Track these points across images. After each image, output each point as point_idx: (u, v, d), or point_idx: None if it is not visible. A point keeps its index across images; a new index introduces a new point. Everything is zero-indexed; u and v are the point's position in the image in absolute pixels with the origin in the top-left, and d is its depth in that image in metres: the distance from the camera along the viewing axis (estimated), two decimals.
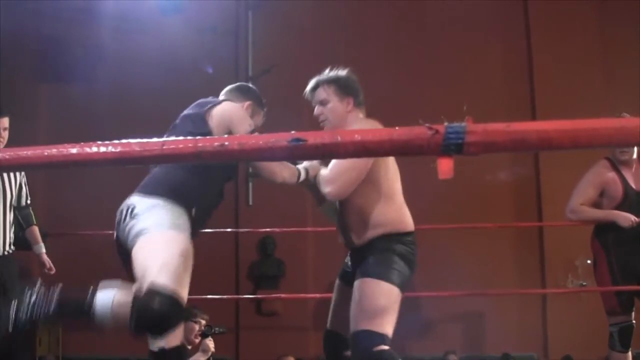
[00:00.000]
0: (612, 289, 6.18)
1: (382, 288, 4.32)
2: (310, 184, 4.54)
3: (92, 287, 3.75)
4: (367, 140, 1.83)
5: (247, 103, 4.49)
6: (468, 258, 9.45)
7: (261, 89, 9.86)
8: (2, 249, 5.89)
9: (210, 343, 6.63)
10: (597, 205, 6.28)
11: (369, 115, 4.64)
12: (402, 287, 4.36)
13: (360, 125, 4.52)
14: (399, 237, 4.49)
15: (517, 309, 10.00)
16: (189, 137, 3.85)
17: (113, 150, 1.98)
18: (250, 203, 10.12)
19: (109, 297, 3.69)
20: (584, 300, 9.47)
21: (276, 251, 10.09)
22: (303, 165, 4.49)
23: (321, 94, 4.63)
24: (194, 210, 4.05)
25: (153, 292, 3.65)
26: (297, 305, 9.89)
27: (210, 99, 4.42)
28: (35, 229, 6.30)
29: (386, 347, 4.23)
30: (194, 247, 3.99)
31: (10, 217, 5.96)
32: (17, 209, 6.09)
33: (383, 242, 4.44)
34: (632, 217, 6.07)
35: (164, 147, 1.95)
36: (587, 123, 1.79)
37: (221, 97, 4.53)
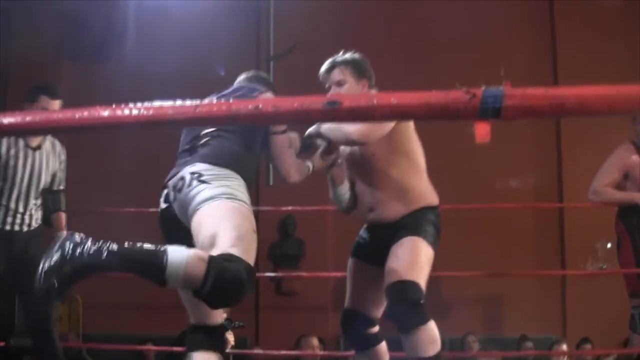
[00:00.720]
0: (636, 270, 6.16)
1: (425, 248, 4.45)
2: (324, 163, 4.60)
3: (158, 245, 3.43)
4: (404, 104, 1.81)
5: (269, 94, 4.37)
6: (488, 239, 9.43)
7: (282, 69, 9.93)
8: (27, 226, 5.87)
9: (230, 337, 6.63)
10: (620, 187, 6.27)
11: None
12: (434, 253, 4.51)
13: None
14: (432, 209, 4.62)
15: (536, 292, 9.98)
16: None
17: (145, 113, 1.96)
18: (271, 183, 10.11)
19: (182, 255, 3.36)
20: (603, 283, 9.45)
21: (296, 231, 10.09)
22: (314, 130, 4.51)
23: (337, 75, 4.66)
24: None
25: (234, 258, 3.45)
26: (316, 285, 9.89)
27: (245, 87, 4.36)
28: (62, 215, 6.17)
29: (424, 302, 4.36)
30: None
31: (34, 199, 5.92)
32: (48, 192, 6.06)
33: (420, 213, 4.55)
34: None
35: (197, 110, 1.93)
36: (626, 89, 1.75)
37: (240, 82, 4.51)
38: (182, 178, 3.79)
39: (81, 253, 3.31)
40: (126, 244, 3.37)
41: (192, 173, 3.77)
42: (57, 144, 6.07)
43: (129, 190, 8.49)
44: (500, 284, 9.61)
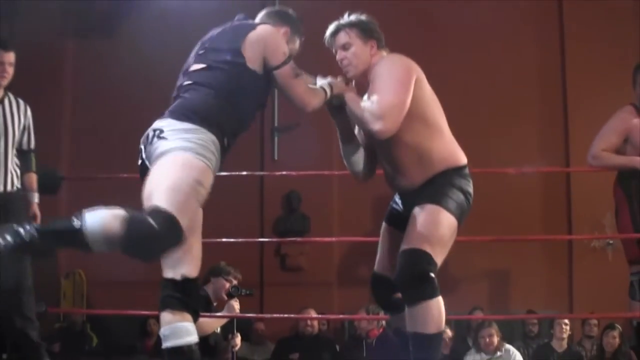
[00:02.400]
0: (634, 236, 6.10)
1: (445, 217, 4.26)
2: (335, 105, 4.41)
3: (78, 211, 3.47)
4: None
5: (284, 29, 4.30)
6: (495, 208, 9.38)
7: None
8: (2, 185, 5.79)
9: (235, 304, 6.56)
10: (620, 152, 6.18)
11: None
12: (461, 220, 4.32)
13: (389, 59, 4.47)
14: (457, 170, 4.41)
15: (543, 266, 9.95)
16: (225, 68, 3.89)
17: None
18: (276, 157, 10.07)
19: (97, 217, 3.41)
20: (610, 257, 9.42)
21: (301, 206, 10.04)
22: (327, 81, 4.35)
23: (343, 37, 4.53)
24: (226, 140, 3.91)
25: (154, 210, 3.50)
26: (321, 261, 9.86)
27: (247, 21, 4.23)
28: (33, 176, 6.10)
29: (434, 276, 4.18)
30: (218, 186, 3.89)
31: (11, 155, 5.86)
32: (19, 151, 6.00)
33: (442, 178, 4.35)
34: None
35: None
36: None
37: (258, 19, 4.34)
38: (147, 135, 3.82)
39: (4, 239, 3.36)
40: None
41: (155, 130, 3.79)
42: (21, 100, 6.02)
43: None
44: (507, 259, 9.58)
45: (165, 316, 3.78)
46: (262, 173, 9.69)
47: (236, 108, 3.96)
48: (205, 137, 3.77)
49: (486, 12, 10.09)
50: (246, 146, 8.89)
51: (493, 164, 8.89)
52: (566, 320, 8.75)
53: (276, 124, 10.08)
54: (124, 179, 6.65)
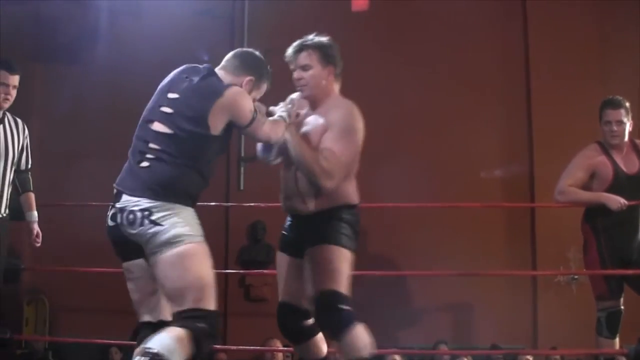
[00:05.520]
0: (601, 272, 6.16)
1: (342, 253, 4.50)
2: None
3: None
4: None
5: (246, 79, 4.36)
6: (459, 243, 9.43)
7: None
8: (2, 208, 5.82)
9: None
10: (586, 188, 6.28)
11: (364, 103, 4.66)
12: (354, 252, 4.59)
13: (348, 109, 4.62)
14: (350, 208, 4.62)
15: (507, 300, 9.95)
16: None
17: None
18: (242, 187, 10.06)
19: (169, 344, 3.78)
20: (575, 292, 9.45)
21: (266, 236, 10.01)
22: (284, 109, 4.55)
23: (305, 58, 4.66)
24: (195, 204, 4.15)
25: (203, 314, 3.93)
26: None
27: (213, 83, 4.25)
28: (32, 195, 6.18)
29: (350, 309, 4.46)
30: None
31: (9, 177, 5.91)
32: (17, 172, 6.00)
33: (336, 212, 4.56)
34: (622, 200, 6.07)
35: None
36: None
37: (221, 69, 4.40)
38: (132, 212, 3.95)
39: None
40: None
41: (142, 210, 3.93)
42: (19, 120, 6.00)
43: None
44: (471, 293, 9.57)
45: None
46: (228, 204, 9.67)
47: (202, 173, 4.15)
48: (190, 214, 4.04)
49: (449, 13, 10.25)
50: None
51: (456, 198, 8.94)
52: (529, 357, 8.76)
53: (242, 154, 10.07)
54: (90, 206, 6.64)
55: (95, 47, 10.22)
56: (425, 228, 9.56)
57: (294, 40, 9.84)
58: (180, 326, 3.86)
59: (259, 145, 4.73)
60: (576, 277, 9.44)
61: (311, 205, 4.57)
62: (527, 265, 9.89)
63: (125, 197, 3.99)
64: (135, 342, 4.09)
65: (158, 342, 3.76)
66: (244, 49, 4.61)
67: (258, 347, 8.50)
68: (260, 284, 9.87)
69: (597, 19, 10.35)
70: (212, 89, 4.19)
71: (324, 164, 4.38)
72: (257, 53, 4.55)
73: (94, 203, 6.59)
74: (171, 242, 3.91)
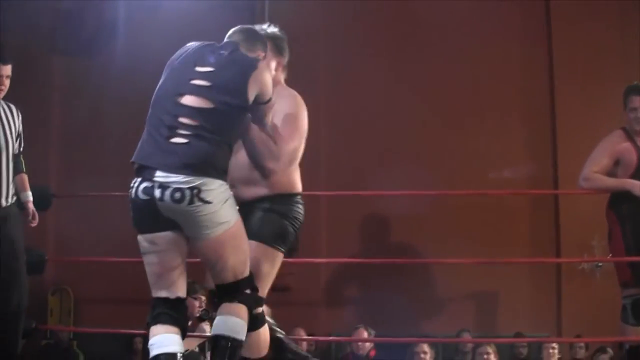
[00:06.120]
0: (626, 259, 6.11)
1: (268, 253, 4.47)
2: None
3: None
4: None
5: (262, 55, 4.46)
6: (482, 232, 9.41)
7: None
8: (5, 199, 5.79)
9: (207, 327, 6.62)
10: (611, 174, 6.23)
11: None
12: (285, 245, 4.56)
13: (295, 99, 4.67)
14: (289, 197, 4.57)
15: (531, 288, 9.91)
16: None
17: None
18: None
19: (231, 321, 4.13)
20: (599, 279, 9.40)
21: None
22: None
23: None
24: None
25: (253, 287, 4.24)
26: (309, 281, 9.82)
27: (247, 55, 4.32)
28: (25, 176, 6.10)
29: (262, 310, 4.45)
30: None
31: (11, 166, 5.86)
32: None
33: (269, 203, 4.50)
34: None
35: None
36: None
37: (235, 40, 4.43)
38: (180, 190, 3.92)
39: None
40: None
41: (192, 188, 3.92)
42: (12, 105, 5.98)
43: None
44: (494, 280, 9.55)
45: (155, 329, 4.05)
46: None
47: (231, 148, 4.21)
48: (229, 191, 4.12)
49: (470, 13, 10.19)
50: None
51: (480, 187, 8.92)
52: (554, 345, 8.72)
53: None
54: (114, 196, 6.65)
55: (114, 40, 10.26)
56: (449, 216, 9.54)
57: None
58: (239, 301, 4.12)
59: None
60: (600, 264, 9.36)
61: (253, 194, 4.52)
62: (551, 253, 9.84)
63: (162, 173, 3.96)
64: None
65: (228, 327, 4.07)
66: (246, 26, 4.58)
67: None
68: (284, 272, 9.82)
69: (620, 11, 10.25)
70: (248, 61, 4.25)
71: (273, 147, 4.39)
72: (258, 29, 4.61)
73: (116, 193, 6.57)
74: (222, 222, 4.01)
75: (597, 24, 10.11)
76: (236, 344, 4.06)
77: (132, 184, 4.06)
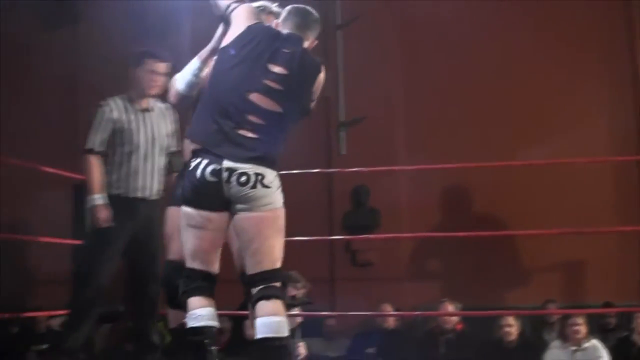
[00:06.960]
0: None
1: (176, 214, 4.67)
2: None
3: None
4: None
5: (313, 41, 4.49)
6: (566, 199, 9.31)
7: (347, 37, 9.81)
8: (149, 191, 5.90)
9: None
10: None
11: None
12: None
13: None
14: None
15: (618, 257, 9.76)
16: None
17: None
18: (344, 152, 10.04)
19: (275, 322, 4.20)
20: None
21: (370, 200, 9.98)
22: None
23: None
24: None
25: (281, 274, 4.29)
26: (392, 256, 9.80)
27: (313, 59, 4.37)
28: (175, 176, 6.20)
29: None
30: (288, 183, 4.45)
31: (162, 163, 5.97)
32: (169, 154, 6.07)
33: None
34: None
35: None
36: None
37: (301, 27, 4.42)
38: (246, 174, 4.17)
39: None
40: None
41: (257, 174, 4.18)
42: (169, 105, 6.01)
43: None
44: (580, 249, 9.42)
45: (197, 301, 4.23)
46: (331, 170, 9.64)
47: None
48: (279, 181, 4.32)
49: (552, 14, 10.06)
50: (311, 142, 8.87)
51: (563, 155, 8.80)
52: None
53: (342, 119, 10.06)
54: None
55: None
56: (533, 186, 9.43)
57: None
58: (274, 298, 4.19)
59: (186, 83, 4.78)
60: None
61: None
62: (637, 220, 9.66)
63: (229, 162, 4.17)
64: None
65: (272, 328, 4.13)
66: (300, 6, 4.52)
67: (368, 312, 8.51)
68: (366, 248, 9.86)
69: None
70: (315, 66, 4.37)
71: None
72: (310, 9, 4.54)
73: None
74: (271, 202, 4.21)
75: None
76: (285, 342, 4.19)
77: (194, 163, 4.23)
